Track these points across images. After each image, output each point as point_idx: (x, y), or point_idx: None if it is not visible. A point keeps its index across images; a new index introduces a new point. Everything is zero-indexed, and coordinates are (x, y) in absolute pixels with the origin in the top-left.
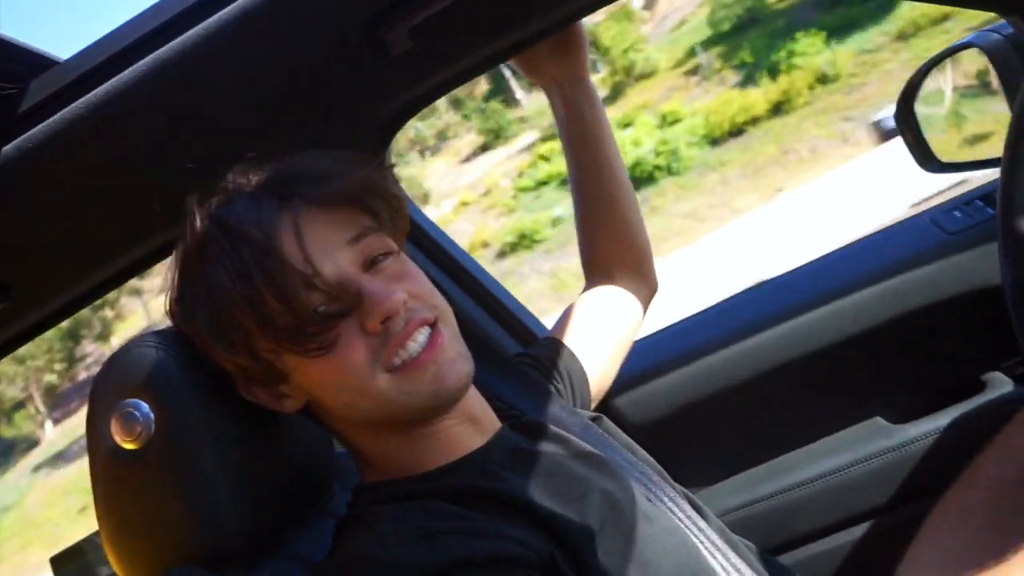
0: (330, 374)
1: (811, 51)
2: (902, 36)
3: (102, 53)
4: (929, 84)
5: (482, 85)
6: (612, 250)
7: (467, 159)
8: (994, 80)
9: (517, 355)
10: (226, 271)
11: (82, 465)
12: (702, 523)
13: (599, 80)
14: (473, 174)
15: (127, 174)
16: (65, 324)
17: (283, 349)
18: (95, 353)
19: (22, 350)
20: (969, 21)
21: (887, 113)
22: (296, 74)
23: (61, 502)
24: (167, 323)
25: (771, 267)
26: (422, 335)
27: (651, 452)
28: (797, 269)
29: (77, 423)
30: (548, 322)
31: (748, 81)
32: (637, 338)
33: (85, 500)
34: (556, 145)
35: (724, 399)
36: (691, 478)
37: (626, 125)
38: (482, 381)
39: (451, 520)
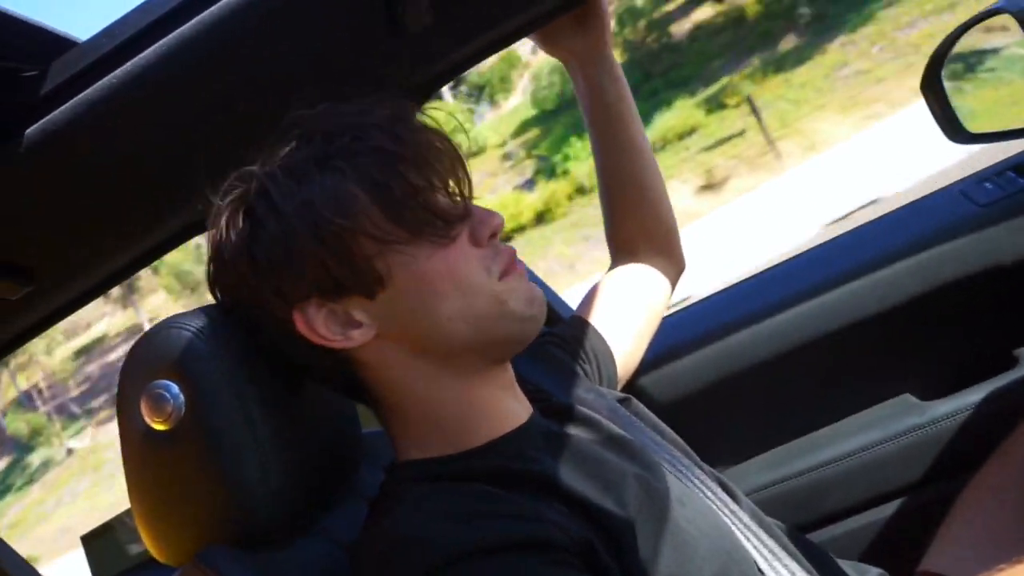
0: (446, 269)
1: (583, 155)
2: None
3: (123, 33)
4: (956, 52)
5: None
6: (638, 228)
7: None
8: None
9: (542, 335)
10: (342, 172)
11: None
12: (733, 505)
13: None
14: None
15: (150, 155)
16: None
17: (403, 240)
18: None
19: None
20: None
21: None
22: (316, 52)
23: None
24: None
25: None
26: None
27: (677, 431)
28: (826, 243)
29: None
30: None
31: (540, 174)
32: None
33: None
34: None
35: (751, 377)
36: (719, 457)
37: None
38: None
39: (490, 502)
